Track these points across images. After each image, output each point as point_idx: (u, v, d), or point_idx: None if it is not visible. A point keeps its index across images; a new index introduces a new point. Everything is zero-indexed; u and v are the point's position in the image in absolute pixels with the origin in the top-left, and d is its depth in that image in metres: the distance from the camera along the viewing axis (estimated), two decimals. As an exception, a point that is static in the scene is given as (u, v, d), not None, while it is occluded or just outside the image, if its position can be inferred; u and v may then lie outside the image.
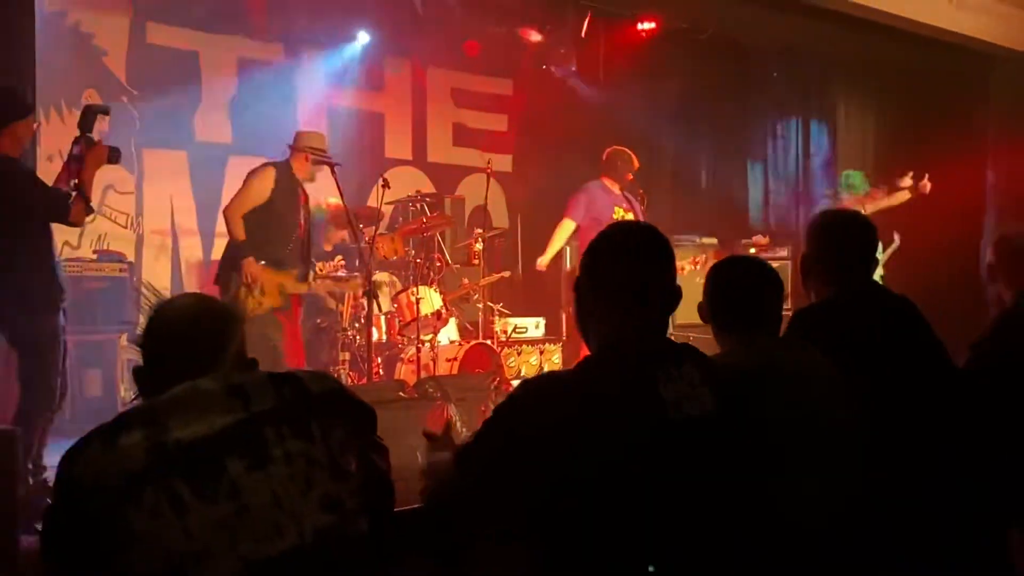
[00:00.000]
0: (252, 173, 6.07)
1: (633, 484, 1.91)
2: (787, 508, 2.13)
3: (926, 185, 7.87)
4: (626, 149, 7.34)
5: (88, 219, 4.84)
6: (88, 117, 4.70)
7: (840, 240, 2.88)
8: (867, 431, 2.39)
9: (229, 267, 5.94)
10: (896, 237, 8.39)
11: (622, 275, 2.11)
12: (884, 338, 2.70)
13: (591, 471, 1.90)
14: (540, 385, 2.08)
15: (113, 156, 4.70)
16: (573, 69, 9.74)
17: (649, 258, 2.13)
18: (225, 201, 6.27)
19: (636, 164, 7.32)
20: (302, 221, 6.15)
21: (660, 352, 2.08)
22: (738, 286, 2.55)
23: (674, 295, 2.14)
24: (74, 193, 4.54)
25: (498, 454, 1.99)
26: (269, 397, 1.87)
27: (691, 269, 7.67)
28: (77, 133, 4.68)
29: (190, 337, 1.96)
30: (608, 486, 1.90)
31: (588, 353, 2.14)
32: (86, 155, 4.58)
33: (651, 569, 1.92)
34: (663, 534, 1.92)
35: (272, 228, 5.99)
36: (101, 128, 5.29)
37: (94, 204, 5.05)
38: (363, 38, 9.02)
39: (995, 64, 9.20)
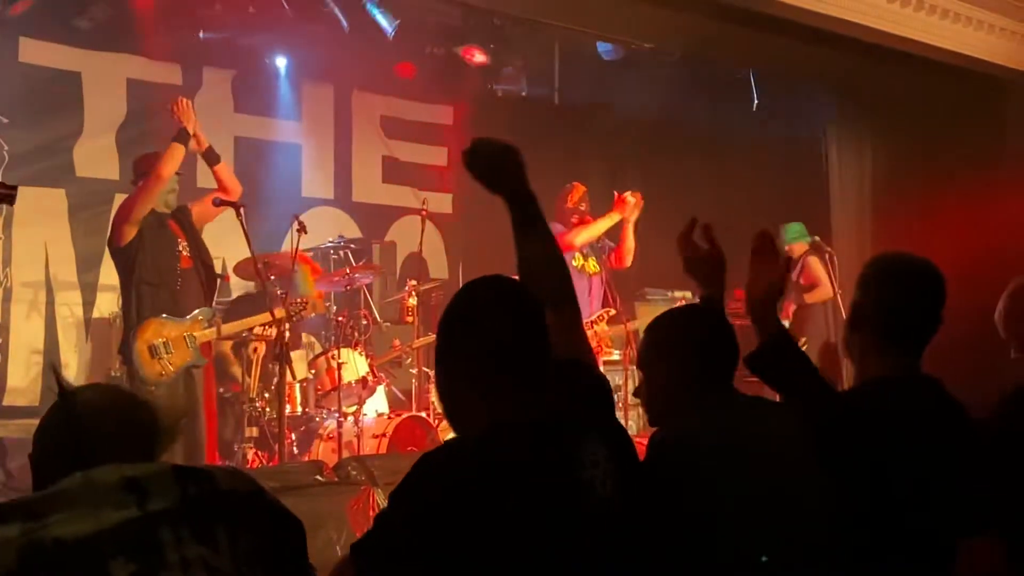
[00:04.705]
0: None
1: (534, 565, 1.96)
2: None
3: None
4: (574, 183, 7.38)
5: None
6: None
7: (916, 296, 2.66)
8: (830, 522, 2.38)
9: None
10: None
11: (494, 339, 2.10)
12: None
13: (494, 547, 1.93)
14: (439, 455, 2.06)
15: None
16: (523, 94, 9.84)
17: (519, 315, 2.11)
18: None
19: (579, 195, 7.32)
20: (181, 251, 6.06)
21: (563, 424, 2.11)
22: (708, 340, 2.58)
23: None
24: None
25: (401, 540, 1.98)
26: (170, 494, 1.84)
27: None
28: None
29: (97, 424, 1.94)
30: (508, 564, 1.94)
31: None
32: None
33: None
34: None
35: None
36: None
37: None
38: (277, 58, 8.99)
39: (1012, 91, 9.22)
